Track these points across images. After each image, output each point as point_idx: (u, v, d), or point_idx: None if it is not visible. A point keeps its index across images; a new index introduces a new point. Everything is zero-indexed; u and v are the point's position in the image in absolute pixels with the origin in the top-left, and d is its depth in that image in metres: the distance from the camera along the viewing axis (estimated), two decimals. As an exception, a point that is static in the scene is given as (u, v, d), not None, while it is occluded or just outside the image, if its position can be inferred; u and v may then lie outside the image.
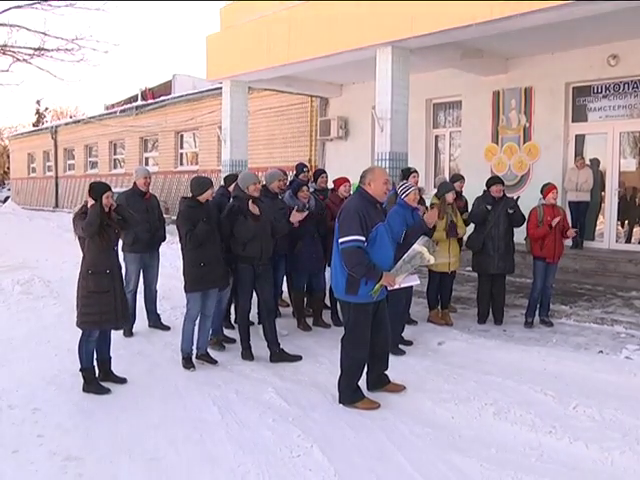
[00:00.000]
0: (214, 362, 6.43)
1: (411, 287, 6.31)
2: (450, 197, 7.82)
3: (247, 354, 6.62)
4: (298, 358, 6.53)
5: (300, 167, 9.05)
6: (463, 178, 8.75)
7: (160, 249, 7.84)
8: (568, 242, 9.82)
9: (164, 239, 7.79)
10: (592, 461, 4.27)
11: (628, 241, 11.68)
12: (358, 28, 10.39)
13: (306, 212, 7.02)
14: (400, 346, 6.78)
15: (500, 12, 8.72)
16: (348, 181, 8.03)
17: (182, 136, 22.41)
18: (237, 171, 10.86)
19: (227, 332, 7.42)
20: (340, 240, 4.99)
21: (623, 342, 7.10)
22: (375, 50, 10.45)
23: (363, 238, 4.92)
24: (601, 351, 6.83)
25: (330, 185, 8.59)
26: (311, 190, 8.35)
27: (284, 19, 11.73)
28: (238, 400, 5.41)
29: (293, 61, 11.80)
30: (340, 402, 5.29)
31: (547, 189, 7.84)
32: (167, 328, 7.66)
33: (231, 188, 7.26)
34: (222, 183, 7.97)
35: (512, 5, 8.50)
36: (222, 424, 4.91)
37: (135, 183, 7.63)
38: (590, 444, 4.44)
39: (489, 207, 7.84)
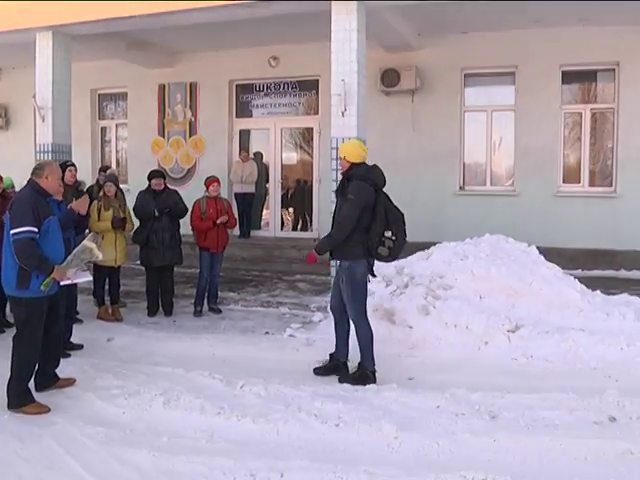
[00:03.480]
0: None
1: (75, 286, 6.19)
2: (107, 190, 7.67)
3: None
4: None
5: None
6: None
7: None
8: (236, 232, 10.16)
9: None
10: (260, 434, 4.39)
11: (294, 229, 12.48)
12: (15, 8, 9.50)
13: None
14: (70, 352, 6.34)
15: (162, 7, 8.77)
16: None
17: None
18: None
19: None
20: (12, 231, 4.80)
21: (288, 322, 7.49)
22: (35, 34, 9.78)
23: (36, 229, 4.81)
24: (267, 332, 7.12)
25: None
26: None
27: None
28: None
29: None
30: (9, 407, 4.86)
31: (208, 182, 8.03)
32: None
33: None
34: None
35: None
36: None
37: None
38: (257, 418, 4.55)
39: (157, 213, 7.77)
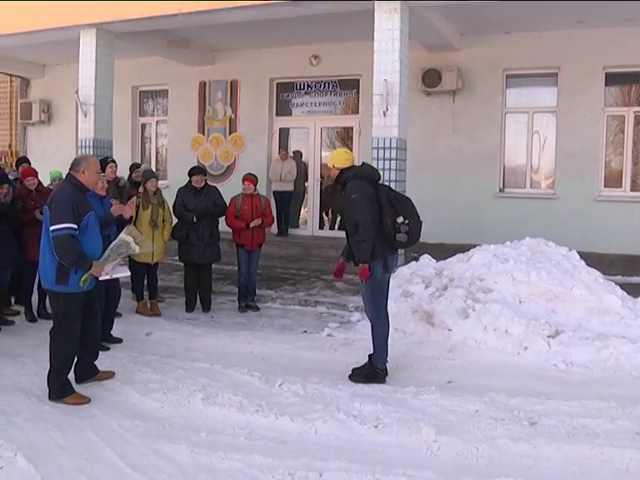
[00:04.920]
0: None
1: (117, 280, 6.21)
2: (150, 186, 7.72)
3: None
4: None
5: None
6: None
7: None
8: (274, 230, 10.21)
9: None
10: (297, 433, 4.40)
11: (332, 228, 12.51)
12: (61, 6, 9.70)
13: None
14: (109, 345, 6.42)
15: (205, 5, 8.88)
16: (32, 174, 7.42)
17: None
18: None
19: None
20: (52, 227, 4.81)
21: (325, 321, 7.49)
22: (79, 31, 9.98)
23: (75, 226, 4.83)
24: (305, 331, 7.13)
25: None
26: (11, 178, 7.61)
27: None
28: None
29: (-11, 35, 10.66)
30: (50, 398, 4.94)
31: (243, 179, 8.10)
32: None
33: None
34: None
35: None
36: None
37: None
38: (295, 417, 4.57)
39: (195, 219, 7.84)
